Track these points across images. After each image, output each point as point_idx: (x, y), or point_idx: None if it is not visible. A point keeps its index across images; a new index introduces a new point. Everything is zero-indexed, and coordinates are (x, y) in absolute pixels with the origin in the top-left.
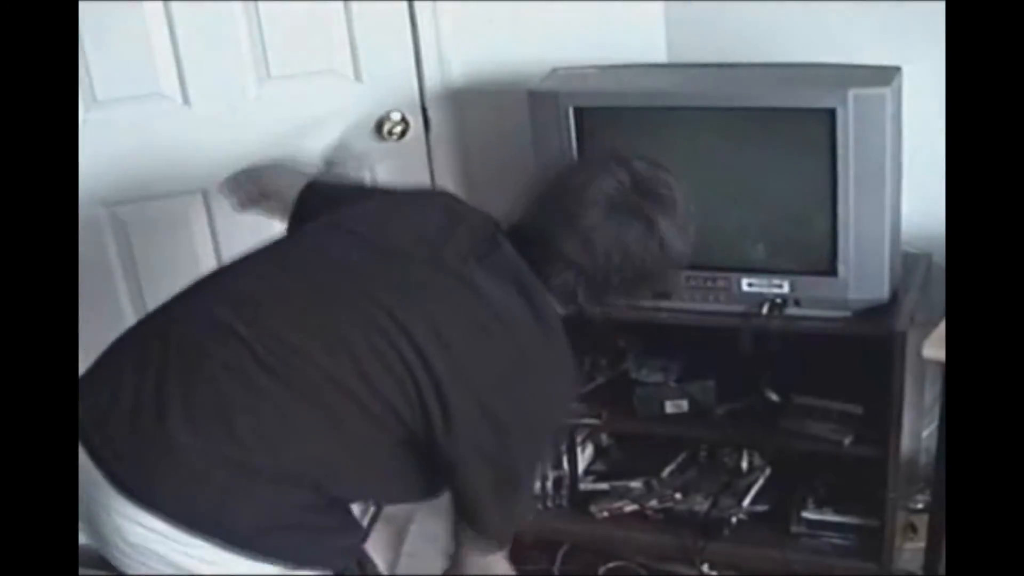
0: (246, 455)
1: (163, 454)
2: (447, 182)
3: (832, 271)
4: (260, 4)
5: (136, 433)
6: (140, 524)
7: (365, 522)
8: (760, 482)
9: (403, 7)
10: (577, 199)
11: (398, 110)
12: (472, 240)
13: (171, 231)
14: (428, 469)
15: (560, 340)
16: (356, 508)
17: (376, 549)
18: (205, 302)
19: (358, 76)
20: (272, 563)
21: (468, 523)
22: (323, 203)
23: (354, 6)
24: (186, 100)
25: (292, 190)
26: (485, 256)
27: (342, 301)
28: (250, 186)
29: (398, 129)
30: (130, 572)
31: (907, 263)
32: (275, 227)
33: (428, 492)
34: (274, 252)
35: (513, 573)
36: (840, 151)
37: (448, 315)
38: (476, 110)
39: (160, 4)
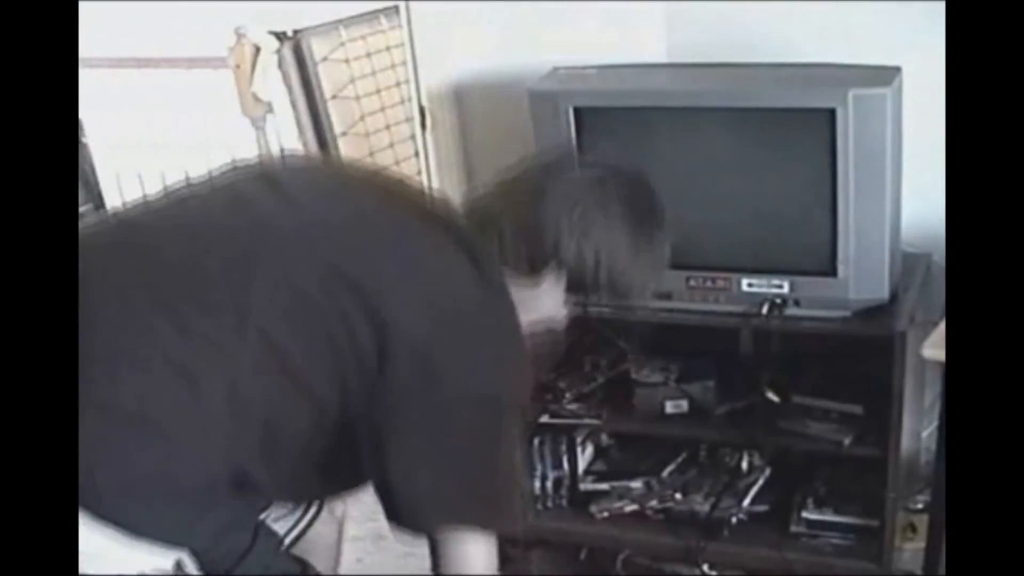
0: (117, 404)
1: None
2: (448, 181)
3: (832, 271)
4: None
5: None
6: None
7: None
8: (760, 482)
9: None
10: (540, 181)
11: None
12: (421, 203)
13: None
14: (341, 455)
15: (505, 305)
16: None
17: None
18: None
19: None
20: (113, 528)
21: (397, 516)
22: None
23: None
24: None
25: None
26: (431, 217)
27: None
28: None
29: None
30: None
31: (907, 263)
32: None
33: (341, 485)
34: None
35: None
36: (840, 151)
37: (395, 267)
38: (477, 110)
39: None
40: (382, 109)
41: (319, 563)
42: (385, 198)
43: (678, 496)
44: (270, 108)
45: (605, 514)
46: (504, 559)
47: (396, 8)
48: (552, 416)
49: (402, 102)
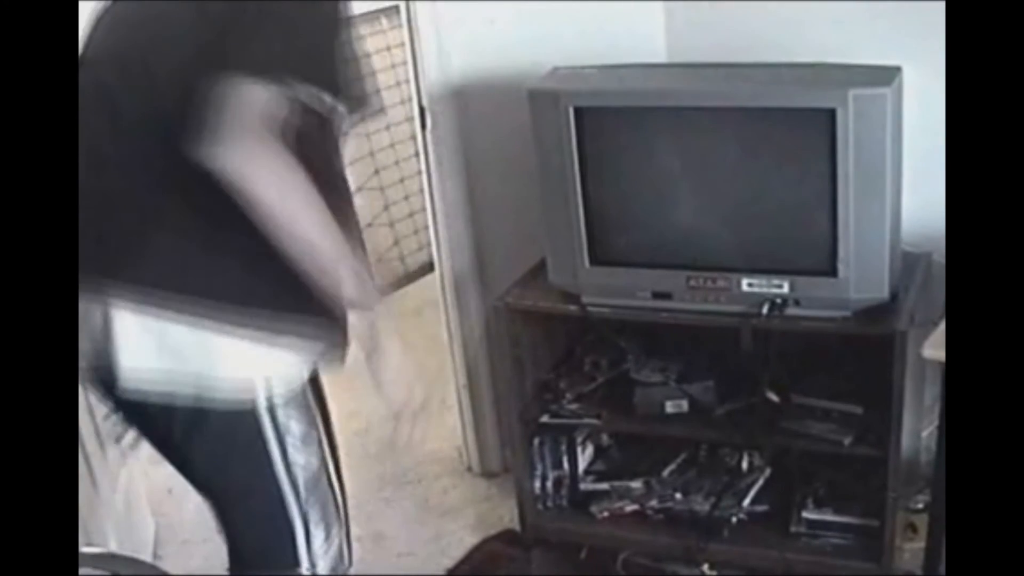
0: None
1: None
2: (448, 180)
3: (832, 271)
4: None
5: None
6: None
7: None
8: (760, 482)
9: None
10: None
11: None
12: None
13: None
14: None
15: None
16: None
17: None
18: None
19: None
20: (247, 332)
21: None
22: None
23: None
24: None
25: None
26: None
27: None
28: None
29: None
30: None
31: (907, 263)
32: None
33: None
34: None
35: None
36: (840, 151)
37: None
38: (477, 109)
39: None
40: (382, 109)
41: None
42: None
43: (678, 496)
44: None
45: (605, 514)
46: (504, 559)
47: (396, 8)
48: (552, 416)
49: (402, 102)
